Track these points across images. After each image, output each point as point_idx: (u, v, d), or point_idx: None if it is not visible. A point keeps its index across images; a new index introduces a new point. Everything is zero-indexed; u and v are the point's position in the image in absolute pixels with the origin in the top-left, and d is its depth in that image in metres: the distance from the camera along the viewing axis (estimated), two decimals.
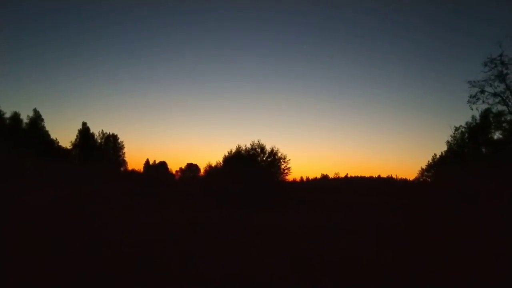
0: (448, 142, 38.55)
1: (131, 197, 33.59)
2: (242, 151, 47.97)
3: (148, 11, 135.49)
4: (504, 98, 24.84)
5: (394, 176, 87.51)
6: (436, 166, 44.75)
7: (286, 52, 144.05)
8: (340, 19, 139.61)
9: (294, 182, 64.29)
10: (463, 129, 35.54)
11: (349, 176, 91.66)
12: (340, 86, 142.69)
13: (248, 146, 47.60)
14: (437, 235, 17.55)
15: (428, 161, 47.81)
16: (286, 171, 47.50)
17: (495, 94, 25.10)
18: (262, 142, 47.25)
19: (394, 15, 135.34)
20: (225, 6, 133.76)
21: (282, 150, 53.41)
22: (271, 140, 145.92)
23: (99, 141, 73.85)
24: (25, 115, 63.99)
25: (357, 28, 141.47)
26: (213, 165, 60.60)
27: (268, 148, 47.10)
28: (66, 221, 16.73)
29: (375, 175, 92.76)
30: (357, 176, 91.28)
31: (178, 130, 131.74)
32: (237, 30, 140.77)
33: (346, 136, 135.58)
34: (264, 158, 47.14)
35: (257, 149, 47.19)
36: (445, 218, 23.56)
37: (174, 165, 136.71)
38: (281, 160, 47.09)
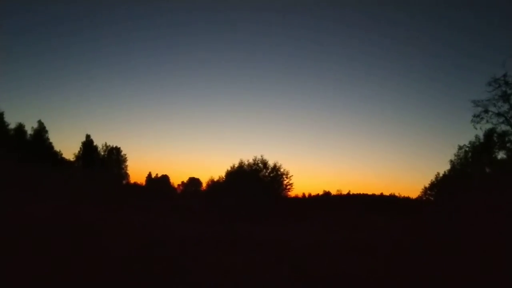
0: (451, 161, 38.45)
1: (132, 209, 33.54)
2: (245, 166, 48.04)
3: (154, 26, 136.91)
4: (508, 118, 24.83)
5: (397, 194, 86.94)
6: (439, 185, 44.54)
7: (290, 68, 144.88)
8: (345, 37, 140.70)
9: (296, 198, 64.09)
10: (467, 148, 35.47)
11: (351, 193, 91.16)
12: (345, 103, 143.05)
13: (251, 161, 47.71)
14: (439, 254, 17.44)
15: (431, 180, 47.62)
16: (288, 187, 47.52)
17: (499, 114, 25.09)
18: (265, 157, 47.38)
19: (398, 33, 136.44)
20: (228, 21, 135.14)
21: (285, 165, 53.29)
22: (274, 155, 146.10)
23: (102, 153, 74.06)
24: (30, 127, 64.38)
25: (364, 45, 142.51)
26: (215, 179, 60.68)
27: (270, 163, 47.19)
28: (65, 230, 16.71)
29: (377, 192, 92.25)
30: (360, 194, 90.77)
31: (181, 144, 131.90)
32: (240, 44, 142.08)
33: (349, 153, 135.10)
34: (267, 174, 47.17)
35: (260, 165, 47.26)
36: (447, 237, 23.44)
37: (176, 179, 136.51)
38: (284, 176, 47.14)
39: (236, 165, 49.10)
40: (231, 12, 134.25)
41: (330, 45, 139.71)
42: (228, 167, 51.04)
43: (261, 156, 47.34)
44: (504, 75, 24.10)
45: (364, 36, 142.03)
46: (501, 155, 29.14)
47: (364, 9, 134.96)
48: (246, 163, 47.98)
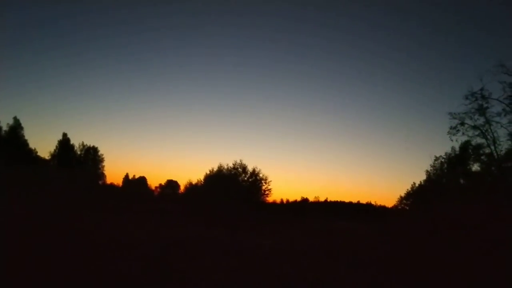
0: (427, 171, 39.13)
1: (107, 211, 33.00)
2: (224, 170, 47.92)
3: (133, 26, 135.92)
4: (483, 131, 25.34)
5: (373, 202, 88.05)
6: (414, 195, 45.17)
7: (271, 73, 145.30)
8: (327, 50, 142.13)
9: (274, 203, 64.14)
10: (443, 160, 36.15)
11: (328, 200, 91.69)
12: (324, 112, 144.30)
13: (230, 165, 47.62)
14: (412, 262, 17.68)
15: (407, 189, 48.28)
16: (267, 192, 47.58)
17: (474, 127, 25.59)
18: (244, 162, 47.35)
19: (376, 46, 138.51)
20: (209, 24, 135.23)
21: (264, 171, 53.28)
22: (253, 160, 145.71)
23: (79, 152, 72.86)
24: (5, 123, 62.94)
25: (342, 58, 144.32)
26: (194, 183, 60.30)
27: (250, 168, 47.18)
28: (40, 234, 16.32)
29: (354, 200, 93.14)
30: (337, 201, 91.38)
31: (160, 145, 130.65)
32: (221, 48, 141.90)
33: (328, 161, 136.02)
34: (246, 178, 47.13)
35: (239, 169, 47.21)
36: (420, 246, 23.78)
37: (154, 181, 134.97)
38: (263, 181, 47.19)
39: (215, 169, 48.99)
40: (208, 16, 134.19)
41: (309, 52, 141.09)
42: (207, 170, 50.89)
43: (241, 161, 47.34)
44: (481, 89, 24.66)
45: (345, 47, 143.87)
46: (475, 167, 29.77)
47: (339, 23, 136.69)
48: (226, 167, 47.91)
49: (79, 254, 12.57)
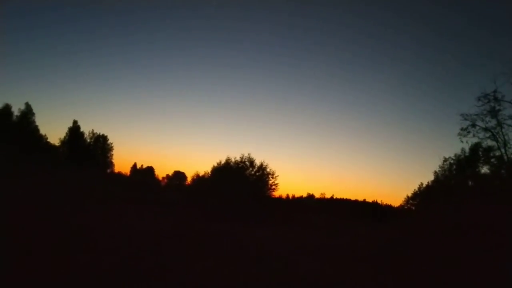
0: (435, 172, 38.81)
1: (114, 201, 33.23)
2: (231, 163, 47.82)
3: (146, 15, 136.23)
4: (494, 133, 25.03)
5: (379, 201, 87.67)
6: (421, 195, 44.85)
7: (281, 69, 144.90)
8: (341, 49, 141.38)
9: (280, 198, 64.11)
10: (452, 161, 35.80)
11: (334, 197, 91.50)
12: (335, 110, 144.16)
13: (238, 158, 47.50)
14: (414, 262, 17.64)
15: (414, 190, 47.94)
16: (273, 187, 47.39)
17: (485, 129, 25.28)
18: (252, 155, 47.16)
19: (389, 44, 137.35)
20: (215, 18, 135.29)
21: (271, 165, 53.16)
22: (261, 154, 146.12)
23: (88, 140, 73.28)
24: (17, 108, 63.44)
25: (354, 56, 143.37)
26: (201, 174, 60.42)
27: (257, 162, 47.00)
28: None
29: (360, 198, 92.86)
30: (343, 198, 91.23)
31: (169, 136, 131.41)
32: (230, 43, 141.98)
33: (336, 158, 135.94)
34: (253, 172, 46.96)
35: (246, 163, 47.03)
36: (424, 246, 23.69)
37: (161, 171, 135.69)
38: (270, 176, 46.98)
39: (222, 162, 48.95)
40: (218, 10, 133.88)
41: (321, 50, 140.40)
42: (214, 163, 50.87)
43: (248, 154, 47.18)
44: (494, 91, 24.33)
45: (355, 48, 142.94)
46: (484, 169, 29.44)
47: (350, 22, 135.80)
48: (233, 160, 47.81)
49: (82, 248, 12.55)
